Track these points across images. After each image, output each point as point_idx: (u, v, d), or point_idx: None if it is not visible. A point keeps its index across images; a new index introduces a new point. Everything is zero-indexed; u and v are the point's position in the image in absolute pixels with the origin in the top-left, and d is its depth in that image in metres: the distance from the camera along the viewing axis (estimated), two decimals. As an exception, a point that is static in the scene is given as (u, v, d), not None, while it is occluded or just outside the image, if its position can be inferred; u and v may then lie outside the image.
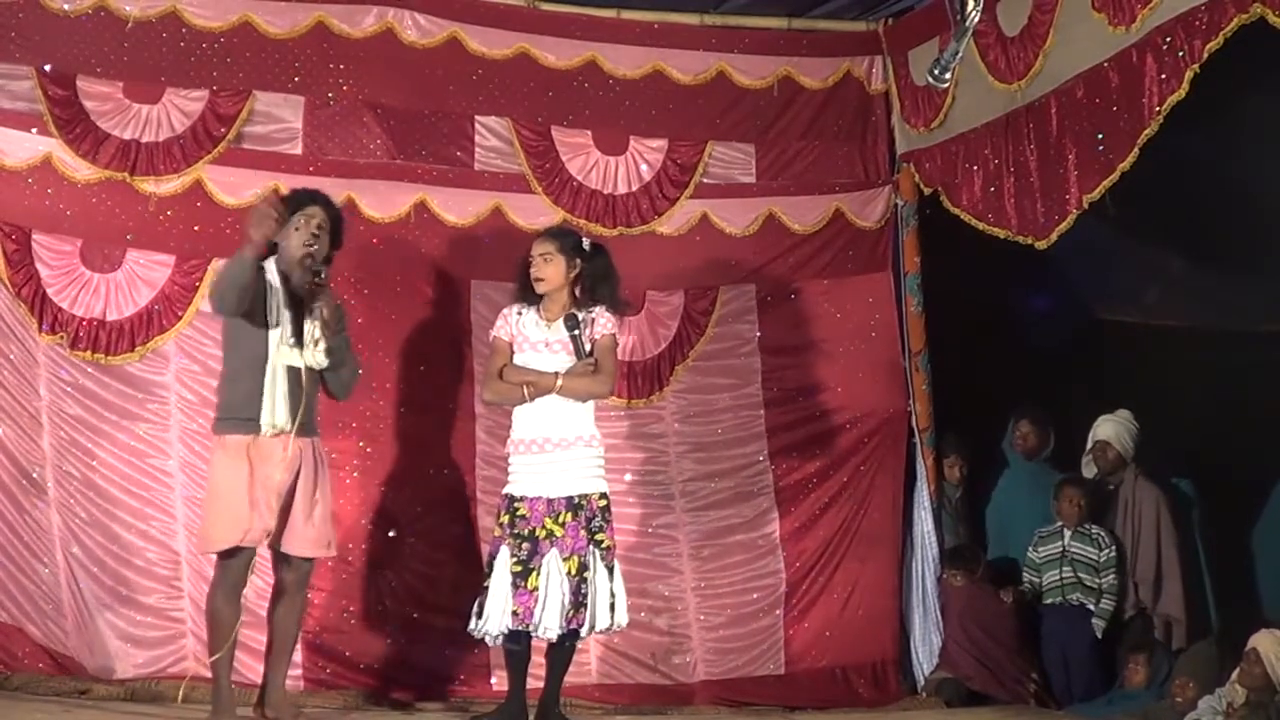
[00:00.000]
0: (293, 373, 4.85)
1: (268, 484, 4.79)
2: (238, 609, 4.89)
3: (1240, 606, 6.21)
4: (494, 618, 5.09)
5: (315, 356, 4.90)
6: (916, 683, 6.53)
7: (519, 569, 5.08)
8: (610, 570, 5.19)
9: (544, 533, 5.11)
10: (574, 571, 5.07)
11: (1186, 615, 6.10)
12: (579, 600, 5.06)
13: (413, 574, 6.01)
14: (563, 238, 5.36)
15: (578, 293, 5.29)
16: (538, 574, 5.06)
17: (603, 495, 5.21)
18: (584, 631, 5.13)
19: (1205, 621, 6.12)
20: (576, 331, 5.22)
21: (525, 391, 5.18)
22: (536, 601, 5.03)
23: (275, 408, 4.80)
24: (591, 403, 5.27)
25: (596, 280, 5.30)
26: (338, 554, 5.80)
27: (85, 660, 5.62)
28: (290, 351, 4.85)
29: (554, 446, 5.18)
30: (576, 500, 5.14)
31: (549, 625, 5.04)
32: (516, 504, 5.19)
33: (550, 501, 5.14)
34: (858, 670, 6.45)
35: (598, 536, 5.15)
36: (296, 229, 4.96)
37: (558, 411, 5.20)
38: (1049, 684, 6.38)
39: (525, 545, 5.11)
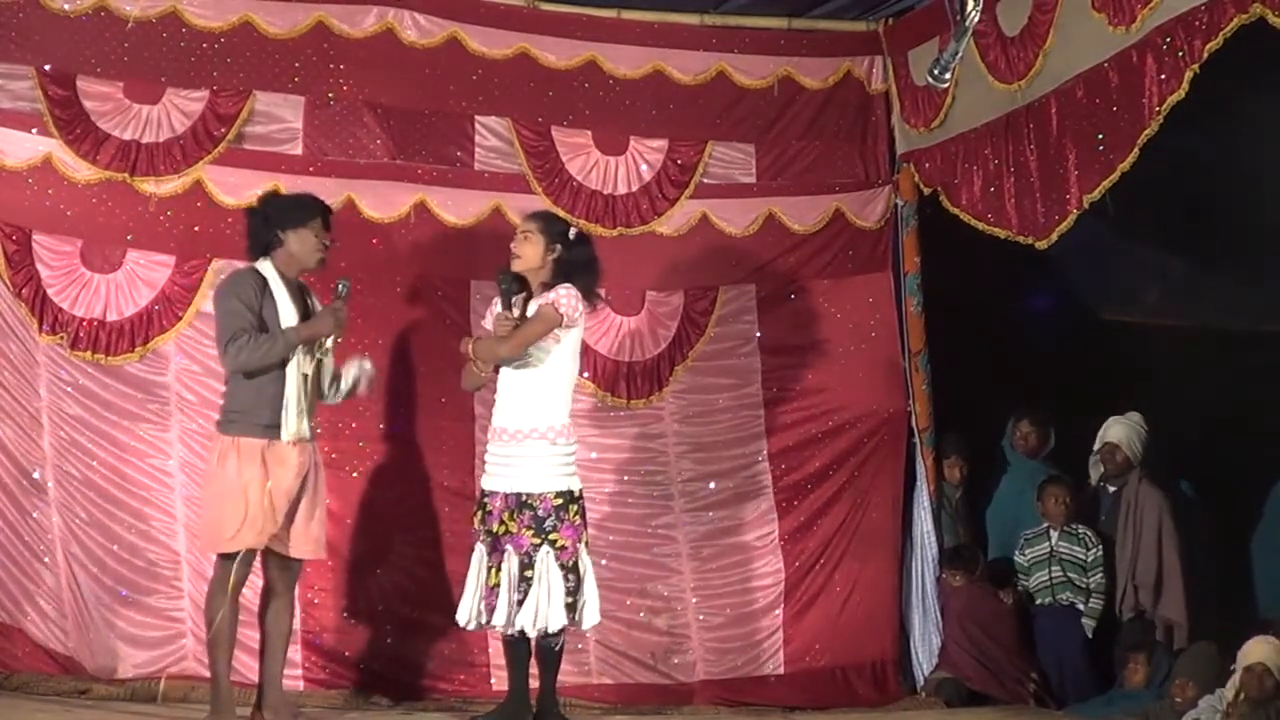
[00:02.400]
0: (305, 380, 4.86)
1: (281, 489, 4.79)
2: (237, 609, 4.87)
3: (1239, 607, 6.20)
4: (462, 612, 5.13)
5: (329, 361, 4.92)
6: (916, 683, 6.53)
7: (490, 566, 5.07)
8: (569, 569, 5.02)
9: (502, 529, 5.06)
10: (516, 570, 5.00)
11: (1187, 619, 6.08)
12: (522, 599, 4.98)
13: (412, 574, 6.01)
14: (546, 220, 5.30)
15: (555, 278, 5.14)
16: (497, 570, 5.04)
17: (560, 494, 5.03)
18: (530, 631, 5.01)
19: (1205, 625, 6.11)
20: (506, 286, 5.12)
21: (473, 365, 5.12)
22: (498, 598, 5.01)
23: (301, 418, 4.80)
24: (559, 393, 5.12)
25: (574, 269, 5.15)
26: (339, 554, 5.85)
27: (85, 660, 5.63)
28: (305, 359, 4.86)
29: (509, 438, 5.10)
30: (524, 498, 5.04)
31: (497, 622, 5.01)
32: (484, 499, 5.17)
33: (506, 497, 5.08)
34: (857, 670, 6.45)
35: (551, 536, 5.01)
36: (316, 235, 4.96)
37: (512, 399, 5.11)
38: (1049, 684, 6.38)
39: (490, 541, 5.09)
